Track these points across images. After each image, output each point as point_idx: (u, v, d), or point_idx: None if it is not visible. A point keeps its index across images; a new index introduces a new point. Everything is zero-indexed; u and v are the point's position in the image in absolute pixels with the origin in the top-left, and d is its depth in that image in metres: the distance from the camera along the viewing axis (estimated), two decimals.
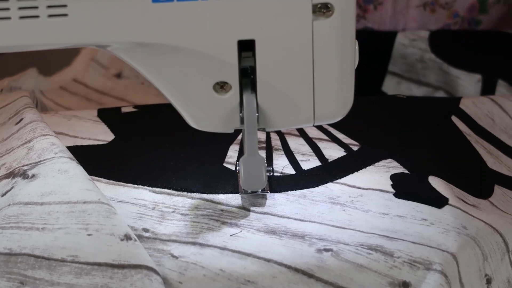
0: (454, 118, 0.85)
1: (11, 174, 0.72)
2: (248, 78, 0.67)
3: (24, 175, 0.71)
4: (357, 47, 0.67)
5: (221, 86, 0.67)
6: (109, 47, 0.65)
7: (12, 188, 0.70)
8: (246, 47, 0.65)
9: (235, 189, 0.73)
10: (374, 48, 0.99)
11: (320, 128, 0.83)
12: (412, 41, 0.99)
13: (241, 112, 0.68)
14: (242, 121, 0.68)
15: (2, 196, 0.70)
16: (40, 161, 0.72)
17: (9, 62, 1.04)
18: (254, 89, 0.67)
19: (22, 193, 0.69)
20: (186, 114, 0.68)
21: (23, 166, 0.72)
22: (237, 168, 0.76)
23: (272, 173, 0.76)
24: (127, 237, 0.65)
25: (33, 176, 0.70)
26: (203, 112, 0.68)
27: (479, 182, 0.78)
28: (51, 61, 1.02)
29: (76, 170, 0.71)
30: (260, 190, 0.72)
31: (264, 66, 0.66)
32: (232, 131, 0.69)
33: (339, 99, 0.68)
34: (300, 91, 0.67)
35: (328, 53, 0.66)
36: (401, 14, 0.99)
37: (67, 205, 0.67)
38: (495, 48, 0.98)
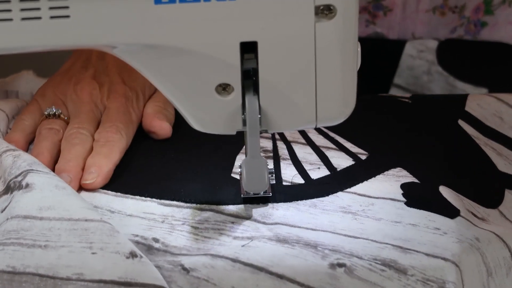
0: (461, 122, 0.84)
1: (9, 189, 0.70)
2: (250, 80, 0.67)
3: (19, 187, 0.70)
4: (359, 49, 0.67)
5: (224, 88, 0.67)
6: (111, 49, 0.65)
7: (10, 202, 0.69)
8: (249, 49, 0.65)
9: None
10: (382, 58, 0.98)
11: (327, 136, 0.83)
12: (420, 52, 0.98)
13: (243, 114, 0.67)
14: (244, 123, 0.68)
15: (2, 211, 0.69)
16: (31, 169, 0.71)
17: (4, 64, 1.04)
18: (256, 90, 0.67)
19: (19, 206, 0.67)
20: (188, 115, 0.68)
21: (16, 177, 0.70)
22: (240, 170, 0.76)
23: (273, 175, 0.75)
24: (133, 255, 0.64)
25: (27, 185, 0.69)
26: (205, 114, 0.68)
27: (489, 189, 0.77)
28: (48, 62, 1.02)
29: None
30: (262, 192, 0.72)
31: (267, 68, 0.66)
32: (234, 132, 0.69)
33: (341, 101, 0.67)
34: (302, 92, 0.67)
35: (331, 54, 0.66)
36: (410, 19, 0.99)
37: (68, 222, 0.66)
38: (501, 61, 0.98)
